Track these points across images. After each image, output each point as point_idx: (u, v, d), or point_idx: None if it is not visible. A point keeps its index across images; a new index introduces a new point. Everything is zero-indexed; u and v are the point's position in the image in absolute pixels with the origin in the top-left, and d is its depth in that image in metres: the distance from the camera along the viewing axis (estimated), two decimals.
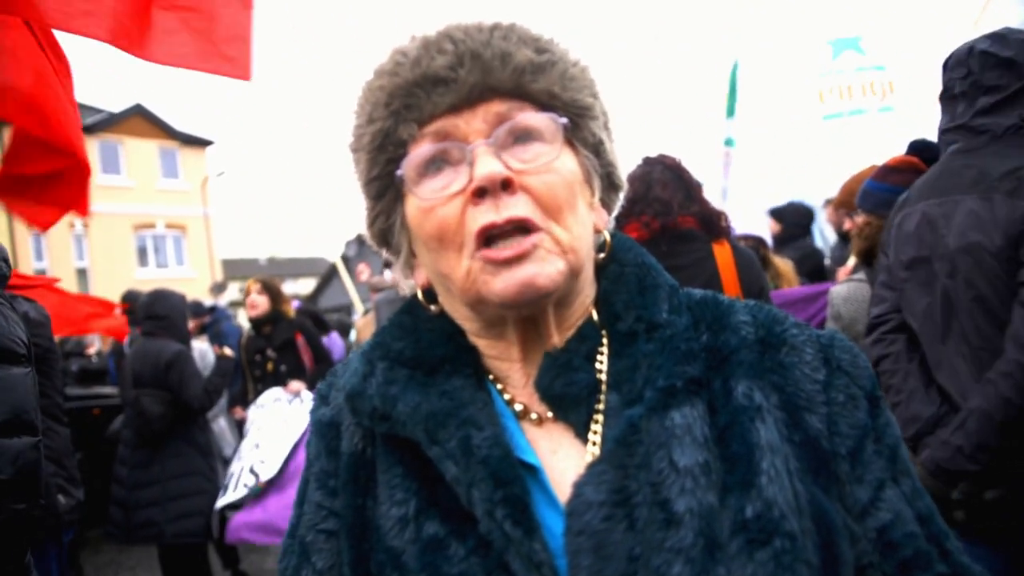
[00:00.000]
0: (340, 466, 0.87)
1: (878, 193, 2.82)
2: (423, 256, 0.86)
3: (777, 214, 5.87)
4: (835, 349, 0.82)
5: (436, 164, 0.80)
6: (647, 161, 3.16)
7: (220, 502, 4.61)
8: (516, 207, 0.76)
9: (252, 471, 4.63)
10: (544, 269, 0.76)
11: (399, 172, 0.82)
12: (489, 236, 0.76)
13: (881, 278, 2.39)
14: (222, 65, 2.63)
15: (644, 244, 2.95)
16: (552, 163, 0.79)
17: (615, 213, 0.97)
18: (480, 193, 0.76)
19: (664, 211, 2.97)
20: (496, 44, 0.79)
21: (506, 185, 0.76)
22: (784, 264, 4.70)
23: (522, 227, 0.76)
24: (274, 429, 4.93)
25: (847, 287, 2.87)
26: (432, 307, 0.90)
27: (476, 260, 0.77)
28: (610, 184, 0.92)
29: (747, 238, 4.62)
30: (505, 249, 0.76)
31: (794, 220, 5.82)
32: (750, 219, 4.90)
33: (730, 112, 6.84)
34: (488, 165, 0.76)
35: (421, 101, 0.80)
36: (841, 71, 5.97)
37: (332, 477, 0.87)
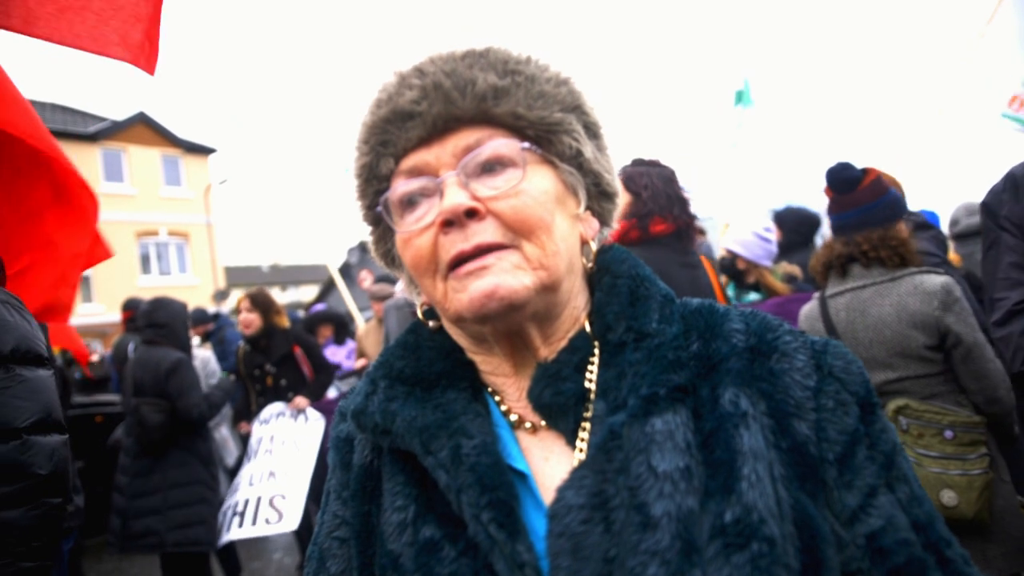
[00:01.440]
0: (351, 478, 0.92)
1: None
2: (416, 283, 0.92)
3: (777, 219, 5.57)
4: (828, 355, 0.83)
5: (413, 198, 0.85)
6: (649, 162, 3.19)
7: (236, 533, 4.58)
8: (484, 233, 0.80)
9: (273, 506, 4.62)
10: (505, 280, 0.79)
11: (378, 209, 0.89)
12: (459, 262, 0.81)
13: (1011, 259, 2.22)
14: (120, 51, 2.40)
15: (668, 238, 3.06)
16: (519, 186, 0.82)
17: (614, 220, 0.98)
18: (448, 223, 0.81)
19: (685, 210, 3.10)
20: (460, 73, 0.83)
21: (472, 214, 0.80)
22: (771, 276, 4.64)
23: (488, 251, 0.80)
24: (289, 457, 4.91)
25: (809, 305, 2.93)
26: (431, 323, 0.96)
27: (449, 280, 0.82)
28: (600, 192, 0.94)
29: (727, 251, 4.60)
30: (471, 264, 0.80)
31: (793, 227, 5.49)
32: (744, 226, 4.87)
33: (742, 100, 6.94)
34: (453, 197, 0.80)
35: (394, 137, 0.86)
36: None
37: (345, 488, 0.93)
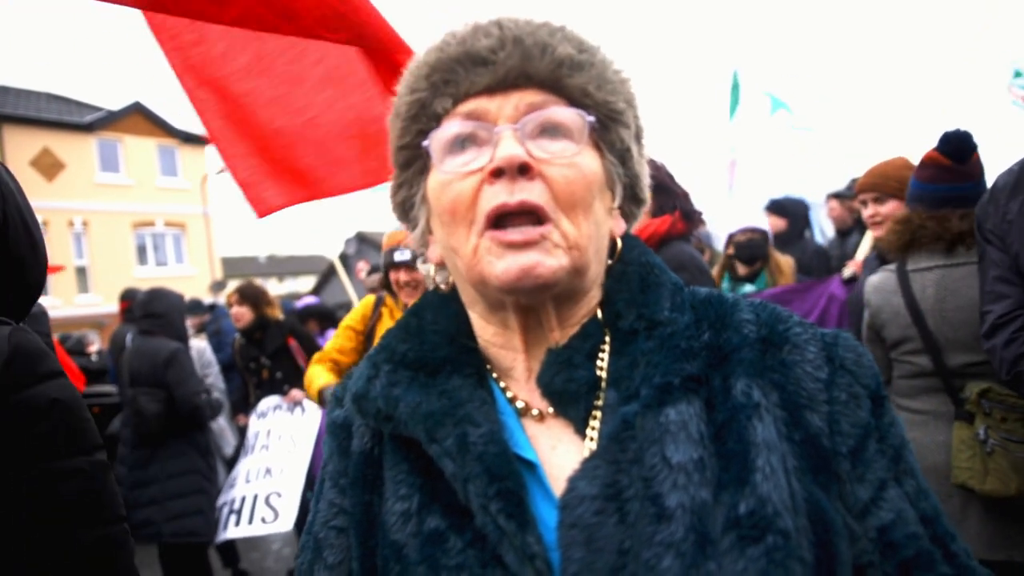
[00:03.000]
0: (350, 465, 0.90)
1: (913, 188, 2.74)
2: (437, 231, 0.88)
3: (779, 209, 5.65)
4: (839, 348, 0.82)
5: (463, 142, 0.83)
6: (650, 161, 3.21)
7: (233, 532, 4.59)
8: (531, 192, 0.78)
9: (269, 504, 4.63)
10: (546, 260, 0.78)
11: (425, 143, 0.85)
12: (500, 218, 0.78)
13: (995, 273, 2.24)
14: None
15: (682, 235, 3.08)
16: (574, 158, 0.81)
17: (635, 227, 0.97)
18: (497, 173, 0.78)
19: (690, 205, 3.11)
20: (540, 35, 0.82)
21: (524, 170, 0.78)
22: (786, 260, 4.64)
23: (532, 214, 0.78)
24: (285, 453, 4.91)
25: (880, 276, 2.80)
26: (442, 286, 0.94)
27: (484, 239, 0.79)
28: (632, 196, 0.93)
29: (753, 231, 4.53)
30: (514, 233, 0.78)
31: (796, 217, 5.62)
32: (750, 214, 4.87)
33: (733, 111, 6.95)
34: (510, 148, 0.78)
35: (460, 78, 0.83)
36: None
37: (343, 476, 0.91)
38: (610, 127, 0.86)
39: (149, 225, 29.19)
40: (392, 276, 3.62)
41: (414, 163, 0.90)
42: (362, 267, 8.43)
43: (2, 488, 1.16)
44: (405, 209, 0.95)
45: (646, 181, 0.94)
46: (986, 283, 2.28)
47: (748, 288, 4.44)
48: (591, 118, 0.83)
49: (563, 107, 0.82)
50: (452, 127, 0.83)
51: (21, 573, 1.15)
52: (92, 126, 27.24)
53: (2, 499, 1.16)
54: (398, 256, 3.56)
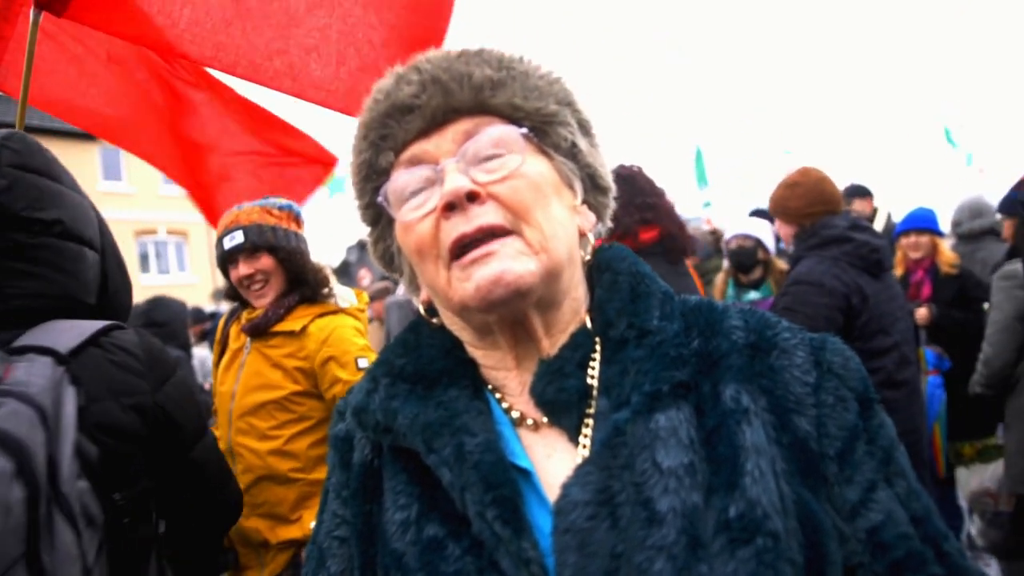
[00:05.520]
0: (351, 477, 0.92)
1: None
2: (417, 272, 0.91)
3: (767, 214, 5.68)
4: (826, 352, 0.83)
5: (414, 188, 0.86)
6: (628, 168, 3.20)
7: None
8: (485, 216, 0.81)
9: None
10: (511, 266, 0.79)
11: (379, 200, 0.89)
12: (462, 248, 0.80)
13: None
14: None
15: (655, 245, 3.04)
16: (518, 169, 0.83)
17: (608, 216, 0.99)
18: (450, 207, 0.81)
19: (671, 216, 3.09)
20: (456, 67, 0.85)
21: (473, 198, 0.81)
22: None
23: (492, 234, 0.80)
24: None
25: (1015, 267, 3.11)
26: (434, 320, 0.95)
27: (453, 269, 0.82)
28: (595, 186, 0.95)
29: (745, 238, 4.48)
30: (473, 252, 0.80)
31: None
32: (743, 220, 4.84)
33: (701, 182, 7.47)
34: (454, 181, 0.81)
35: (394, 130, 0.87)
36: None
37: (345, 488, 0.92)
38: (548, 131, 0.88)
39: (151, 233, 29.25)
40: (232, 275, 2.65)
41: (380, 218, 0.95)
42: (364, 274, 8.45)
43: (176, 458, 1.54)
44: (387, 260, 1.00)
45: (604, 170, 0.96)
46: None
47: (753, 295, 4.41)
48: (523, 129, 0.85)
49: (494, 126, 0.85)
50: (399, 178, 0.86)
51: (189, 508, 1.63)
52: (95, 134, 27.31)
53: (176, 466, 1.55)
54: (228, 242, 2.59)
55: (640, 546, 0.68)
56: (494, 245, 0.80)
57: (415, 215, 0.84)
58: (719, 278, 4.71)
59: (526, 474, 0.82)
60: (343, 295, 2.80)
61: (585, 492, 0.73)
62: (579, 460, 0.79)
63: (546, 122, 0.88)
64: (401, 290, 6.65)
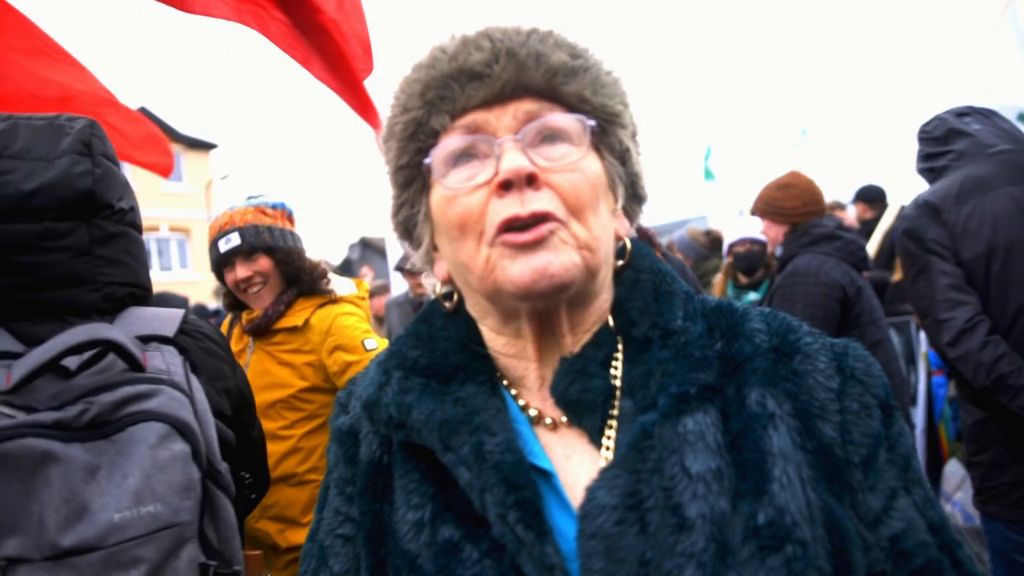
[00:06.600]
0: (357, 473, 0.88)
1: None
2: (444, 247, 0.88)
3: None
4: (849, 358, 0.82)
5: (464, 156, 0.82)
6: None
7: None
8: (540, 201, 0.78)
9: None
10: (559, 258, 0.77)
11: (427, 160, 0.84)
12: (510, 227, 0.77)
13: (947, 282, 2.33)
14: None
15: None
16: (578, 163, 0.81)
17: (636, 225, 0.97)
18: (506, 186, 0.78)
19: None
20: (532, 45, 0.82)
21: (531, 180, 0.78)
22: None
23: (543, 221, 0.77)
24: None
25: None
26: (447, 304, 0.92)
27: (495, 247, 0.78)
28: (634, 194, 0.93)
29: (752, 242, 4.49)
30: (524, 233, 0.77)
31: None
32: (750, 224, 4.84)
33: (708, 176, 7.44)
34: (515, 160, 0.78)
35: (455, 94, 0.82)
36: None
37: (350, 484, 0.89)
38: (608, 130, 0.86)
39: (154, 230, 29.23)
40: (228, 278, 2.58)
41: (414, 182, 0.89)
42: (366, 272, 8.45)
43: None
44: (407, 228, 0.94)
45: (645, 179, 0.94)
46: (937, 292, 2.34)
47: (752, 296, 4.43)
48: (591, 122, 0.83)
49: (561, 113, 0.82)
50: (453, 142, 0.82)
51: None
52: None
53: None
54: (224, 245, 2.52)
55: (670, 553, 0.67)
56: (543, 229, 0.76)
57: (464, 186, 0.81)
58: (718, 279, 4.72)
59: (546, 475, 0.80)
60: (342, 284, 2.79)
61: (612, 496, 0.72)
62: (602, 463, 0.77)
63: (609, 121, 0.86)
64: (399, 289, 6.65)
